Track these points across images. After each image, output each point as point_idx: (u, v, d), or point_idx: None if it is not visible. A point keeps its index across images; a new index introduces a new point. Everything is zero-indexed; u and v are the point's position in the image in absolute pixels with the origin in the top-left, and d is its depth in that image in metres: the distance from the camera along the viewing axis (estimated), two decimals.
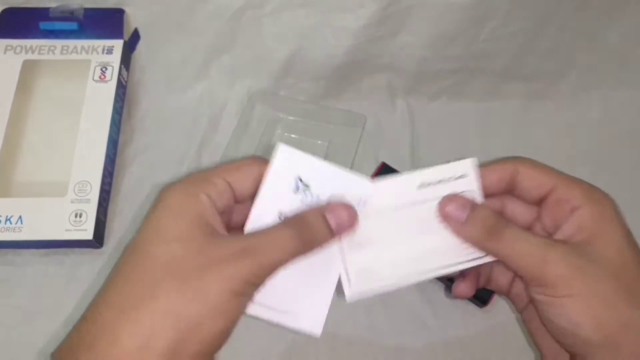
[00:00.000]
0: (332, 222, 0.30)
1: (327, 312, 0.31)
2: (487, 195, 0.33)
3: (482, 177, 0.33)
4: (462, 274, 0.35)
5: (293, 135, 0.54)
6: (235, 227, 0.32)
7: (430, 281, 0.47)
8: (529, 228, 0.34)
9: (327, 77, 0.55)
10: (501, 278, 0.37)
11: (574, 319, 0.29)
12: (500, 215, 0.32)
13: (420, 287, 0.47)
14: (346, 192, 0.32)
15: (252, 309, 0.30)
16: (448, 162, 0.33)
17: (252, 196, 0.31)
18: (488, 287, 0.38)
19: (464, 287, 0.35)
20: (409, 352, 0.45)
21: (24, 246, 0.46)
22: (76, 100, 0.50)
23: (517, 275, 0.32)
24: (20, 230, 0.45)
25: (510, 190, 0.34)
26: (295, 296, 0.31)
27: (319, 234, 0.30)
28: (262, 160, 0.32)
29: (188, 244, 0.28)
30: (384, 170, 0.49)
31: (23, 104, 0.50)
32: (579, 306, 0.29)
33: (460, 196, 0.32)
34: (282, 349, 0.45)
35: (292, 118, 0.54)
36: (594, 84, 0.56)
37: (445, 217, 0.32)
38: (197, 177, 0.30)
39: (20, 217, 0.45)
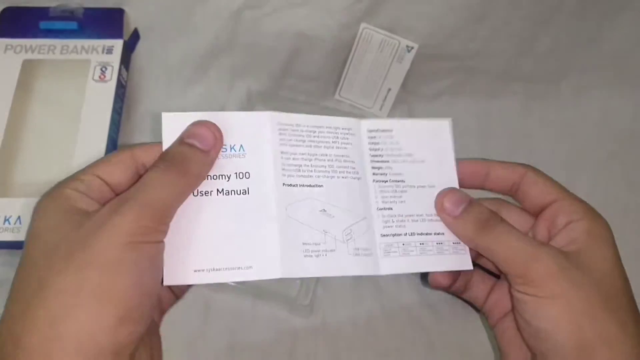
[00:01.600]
0: (195, 142, 0.30)
1: (278, 249, 0.30)
2: (493, 190, 0.34)
3: (492, 171, 0.34)
4: None
5: None
6: None
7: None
8: None
9: (327, 77, 0.55)
10: (480, 287, 0.37)
11: (553, 321, 0.29)
12: (495, 213, 0.32)
13: (420, 290, 0.47)
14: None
15: (196, 277, 0.29)
16: None
17: (130, 184, 0.31)
18: (464, 297, 0.38)
19: (441, 275, 0.35)
20: (408, 355, 0.45)
21: (22, 247, 0.46)
22: (76, 99, 0.50)
23: (502, 272, 0.32)
24: (19, 230, 0.45)
25: (513, 193, 0.34)
26: (238, 248, 0.30)
27: (189, 157, 0.30)
28: (131, 146, 0.31)
29: (61, 229, 0.27)
30: None
31: (22, 104, 0.50)
32: (560, 309, 0.29)
33: (456, 191, 0.33)
34: (281, 352, 0.45)
35: None
36: (593, 86, 0.56)
37: (439, 210, 0.33)
38: (64, 180, 0.29)
39: (19, 217, 0.45)
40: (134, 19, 0.54)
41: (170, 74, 0.55)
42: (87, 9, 0.53)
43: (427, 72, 0.54)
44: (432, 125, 0.36)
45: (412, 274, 0.47)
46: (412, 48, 0.52)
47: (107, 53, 0.52)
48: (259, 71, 0.54)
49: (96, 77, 0.51)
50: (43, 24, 0.52)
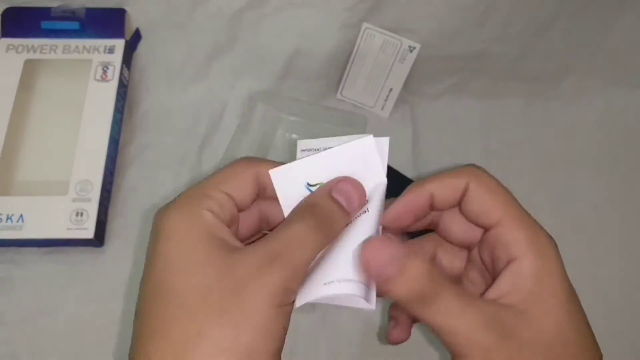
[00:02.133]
0: (342, 201, 0.28)
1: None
2: (437, 209, 0.30)
3: (433, 191, 0.29)
4: (395, 319, 0.34)
5: (294, 136, 0.54)
6: (242, 238, 0.30)
7: None
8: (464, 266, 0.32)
9: (329, 77, 0.55)
10: None
11: None
12: (436, 271, 0.26)
13: None
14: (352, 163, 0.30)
15: (326, 288, 0.27)
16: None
17: (253, 201, 0.30)
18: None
19: (399, 333, 0.34)
20: (409, 352, 0.45)
21: (24, 244, 0.46)
22: (77, 99, 0.50)
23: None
24: (21, 228, 0.45)
25: (459, 209, 0.30)
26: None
27: (334, 217, 0.28)
28: (254, 162, 0.29)
29: (210, 269, 0.25)
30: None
31: (25, 103, 0.50)
32: None
33: (386, 243, 0.26)
34: (283, 350, 0.45)
35: (293, 118, 0.54)
36: (595, 86, 0.56)
37: (366, 266, 0.26)
38: (193, 194, 0.28)
39: (21, 215, 0.45)
40: (135, 18, 0.54)
41: (171, 73, 0.55)
42: (88, 9, 0.53)
43: (429, 72, 0.54)
44: (357, 145, 0.30)
45: None
46: (414, 48, 0.52)
47: (108, 53, 0.52)
48: (261, 71, 0.54)
49: (98, 77, 0.51)
50: (45, 24, 0.52)
